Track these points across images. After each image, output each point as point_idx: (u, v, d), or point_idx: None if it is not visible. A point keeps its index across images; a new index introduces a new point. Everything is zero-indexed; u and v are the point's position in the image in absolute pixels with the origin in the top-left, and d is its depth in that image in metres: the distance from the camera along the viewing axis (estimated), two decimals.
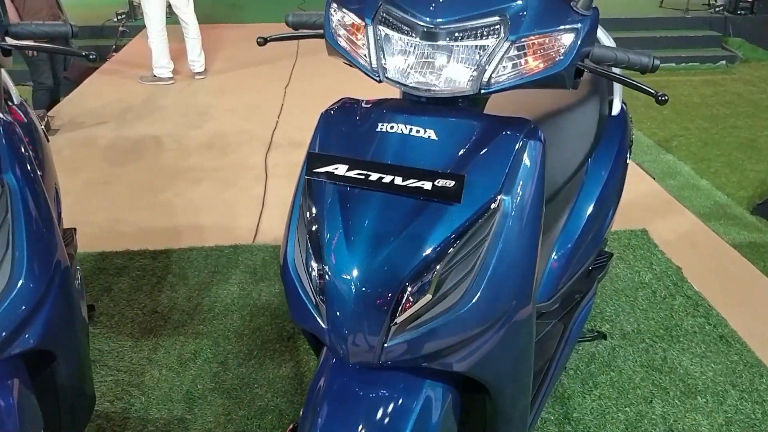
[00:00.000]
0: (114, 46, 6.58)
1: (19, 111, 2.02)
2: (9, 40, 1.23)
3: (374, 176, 1.05)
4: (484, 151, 1.10)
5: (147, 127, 4.37)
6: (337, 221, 1.09)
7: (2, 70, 1.97)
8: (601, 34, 1.91)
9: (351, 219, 1.08)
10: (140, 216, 3.15)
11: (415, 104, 1.15)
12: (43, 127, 2.11)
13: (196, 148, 4.06)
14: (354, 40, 1.16)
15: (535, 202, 1.13)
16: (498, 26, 1.08)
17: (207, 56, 5.50)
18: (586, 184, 1.82)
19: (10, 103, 1.98)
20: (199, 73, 5.37)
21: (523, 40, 1.08)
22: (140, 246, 2.81)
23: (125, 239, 2.89)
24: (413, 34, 1.08)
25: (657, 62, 1.17)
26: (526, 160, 1.11)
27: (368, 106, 1.20)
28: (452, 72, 1.08)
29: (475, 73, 1.08)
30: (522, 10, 1.09)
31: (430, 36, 1.07)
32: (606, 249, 2.07)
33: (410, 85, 1.10)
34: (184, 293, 2.49)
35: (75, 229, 2.16)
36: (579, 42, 1.10)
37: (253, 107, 4.70)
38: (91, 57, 1.33)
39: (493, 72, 1.09)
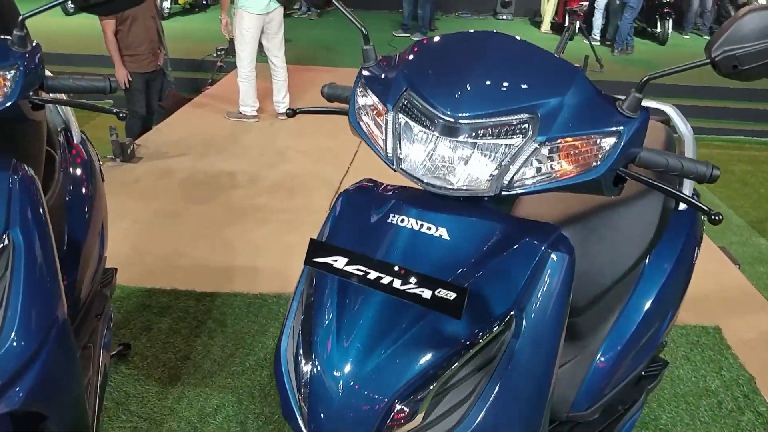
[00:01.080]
0: (210, 80, 6.89)
1: (81, 148, 2.09)
2: (42, 94, 1.24)
3: (373, 275, 0.96)
4: (500, 259, 0.99)
5: (224, 162, 4.48)
6: (332, 316, 1.00)
7: (68, 109, 2.05)
8: (677, 121, 1.75)
9: (347, 316, 0.99)
10: (200, 252, 3.19)
11: (433, 197, 1.05)
12: (100, 163, 2.17)
13: (267, 188, 4.11)
14: (375, 124, 1.08)
15: (553, 324, 0.99)
16: (526, 125, 0.97)
17: (293, 97, 5.62)
18: (642, 284, 1.63)
19: (71, 142, 2.04)
20: (282, 114, 5.50)
21: (554, 141, 0.97)
22: (189, 285, 2.82)
23: (179, 275, 2.91)
24: (432, 127, 0.99)
25: (716, 171, 1.03)
26: (547, 274, 0.99)
27: (386, 192, 1.11)
28: (472, 169, 0.98)
29: (496, 172, 0.97)
30: (556, 109, 0.98)
31: (450, 131, 0.97)
32: (662, 355, 1.86)
33: (425, 180, 1.00)
34: (220, 341, 2.45)
35: (116, 269, 2.18)
36: (620, 147, 0.97)
37: (328, 151, 4.73)
38: (121, 115, 1.32)
39: (516, 173, 0.97)
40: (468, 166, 0.98)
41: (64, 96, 1.41)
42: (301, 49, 8.52)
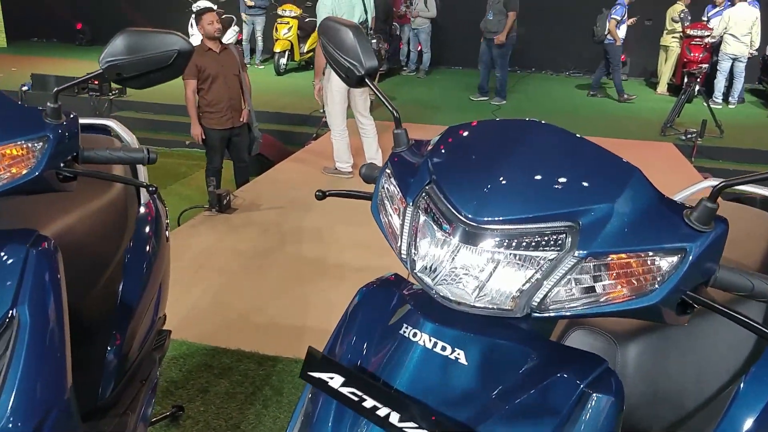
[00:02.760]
0: (314, 135, 7.08)
1: (152, 206, 2.11)
2: (77, 166, 1.23)
3: (369, 403, 0.82)
4: (527, 396, 0.81)
5: (315, 217, 4.50)
6: None
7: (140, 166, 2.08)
8: None
9: None
10: (275, 308, 3.16)
11: (454, 310, 0.90)
12: (167, 221, 2.18)
13: (352, 246, 4.06)
14: (396, 217, 0.95)
15: None
16: (564, 235, 0.80)
17: (385, 154, 5.62)
18: (735, 410, 1.35)
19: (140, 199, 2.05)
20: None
21: (600, 257, 0.79)
22: (255, 346, 2.78)
23: (249, 333, 2.89)
24: (452, 231, 0.83)
25: None
26: (584, 421, 0.80)
27: (406, 294, 0.97)
28: (495, 284, 0.82)
29: (525, 288, 0.81)
30: (604, 218, 0.80)
31: (469, 237, 0.81)
32: None
33: (440, 293, 0.85)
34: (273, 412, 2.36)
35: (170, 331, 2.15)
36: (685, 269, 0.78)
37: None
38: (151, 189, 1.28)
39: (550, 292, 0.80)
40: (491, 280, 0.82)
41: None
42: (401, 106, 8.60)
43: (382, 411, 0.80)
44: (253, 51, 11.46)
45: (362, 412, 0.81)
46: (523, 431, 0.79)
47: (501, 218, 0.80)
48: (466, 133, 0.96)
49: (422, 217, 0.87)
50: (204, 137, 4.79)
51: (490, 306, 0.82)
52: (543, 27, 10.85)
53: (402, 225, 0.90)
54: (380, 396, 0.81)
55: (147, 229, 2.03)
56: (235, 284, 3.43)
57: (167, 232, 2.16)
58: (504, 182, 0.83)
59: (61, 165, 1.18)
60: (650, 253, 0.79)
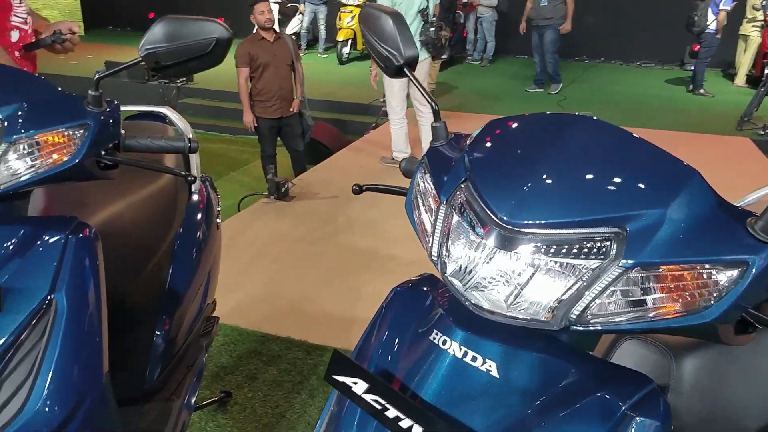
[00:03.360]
0: (373, 125, 7.06)
1: (204, 193, 2.13)
2: (118, 155, 1.23)
3: (391, 413, 0.78)
4: (562, 416, 0.75)
5: (368, 208, 4.48)
6: None
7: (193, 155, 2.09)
8: None
9: None
10: (325, 299, 3.17)
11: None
12: (219, 209, 2.19)
13: (404, 240, 3.98)
14: (429, 216, 0.90)
15: None
16: (609, 243, 0.73)
17: None
18: None
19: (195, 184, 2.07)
20: None
21: (647, 269, 0.72)
22: (304, 335, 2.78)
23: (299, 322, 2.90)
24: (484, 234, 0.78)
25: None
26: None
27: (440, 297, 0.92)
28: (530, 293, 0.76)
29: (564, 298, 0.74)
30: (655, 225, 0.73)
31: (504, 241, 0.75)
32: None
33: (471, 300, 0.80)
34: (319, 402, 2.36)
35: (218, 318, 2.17)
36: (746, 284, 0.70)
37: None
38: (189, 178, 1.28)
39: (592, 304, 0.74)
40: (527, 288, 0.76)
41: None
42: (461, 96, 8.50)
43: (405, 423, 0.76)
44: (315, 40, 11.52)
45: (384, 422, 0.78)
46: None
47: (539, 222, 0.74)
48: (508, 127, 0.89)
49: (455, 218, 0.82)
50: (255, 125, 4.86)
51: (525, 316, 0.76)
52: (613, 14, 10.44)
53: (434, 224, 0.85)
54: (404, 406, 0.77)
55: (198, 217, 2.05)
56: (287, 272, 3.46)
57: (218, 220, 2.18)
58: (545, 182, 0.77)
59: (102, 153, 1.18)
60: (706, 266, 0.72)
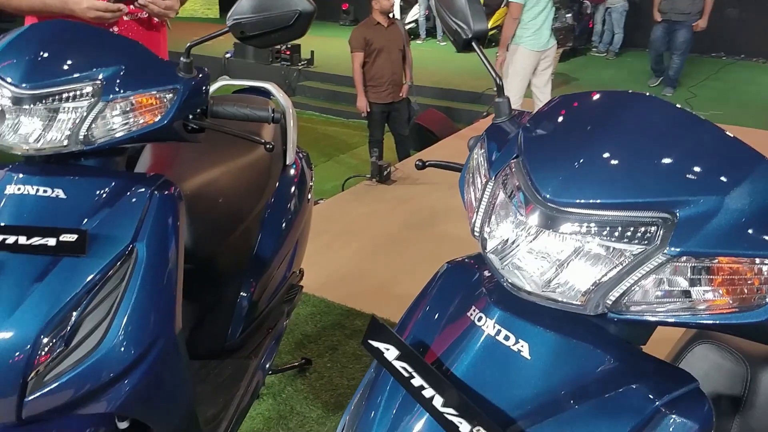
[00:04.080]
0: (484, 113, 6.95)
1: (298, 166, 2.21)
2: (205, 120, 1.31)
3: (417, 381, 0.78)
4: (589, 405, 0.73)
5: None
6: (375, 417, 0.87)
7: (291, 126, 2.17)
8: None
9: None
10: (411, 281, 3.14)
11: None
12: (311, 184, 2.27)
13: None
14: (474, 192, 0.89)
15: None
16: (655, 228, 0.69)
17: None
18: None
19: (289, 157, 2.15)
20: None
21: (697, 259, 0.67)
22: (389, 315, 2.82)
23: (385, 302, 2.94)
24: (526, 211, 0.76)
25: None
26: None
27: (486, 273, 0.91)
28: (567, 275, 0.73)
29: (600, 282, 0.71)
30: (709, 212, 0.68)
31: (545, 219, 0.73)
32: None
33: (507, 278, 0.78)
34: None
35: (302, 287, 2.25)
36: None
37: None
38: (268, 147, 1.33)
39: (629, 291, 0.70)
40: (564, 270, 0.73)
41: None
42: (579, 88, 8.14)
43: (428, 392, 0.76)
44: (434, 28, 11.49)
45: (409, 389, 0.79)
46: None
47: (583, 201, 0.71)
48: (569, 104, 0.86)
49: (501, 194, 0.81)
50: (368, 110, 4.95)
51: (560, 298, 0.74)
52: (759, 7, 9.57)
53: (480, 200, 0.84)
54: (429, 377, 0.77)
55: (290, 189, 2.13)
56: (379, 253, 3.52)
57: (310, 195, 2.26)
58: (595, 161, 0.74)
59: (190, 117, 1.26)
60: (766, 261, 0.66)
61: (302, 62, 8.95)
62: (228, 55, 9.04)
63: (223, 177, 1.83)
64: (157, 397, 1.25)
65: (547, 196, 0.73)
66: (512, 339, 0.78)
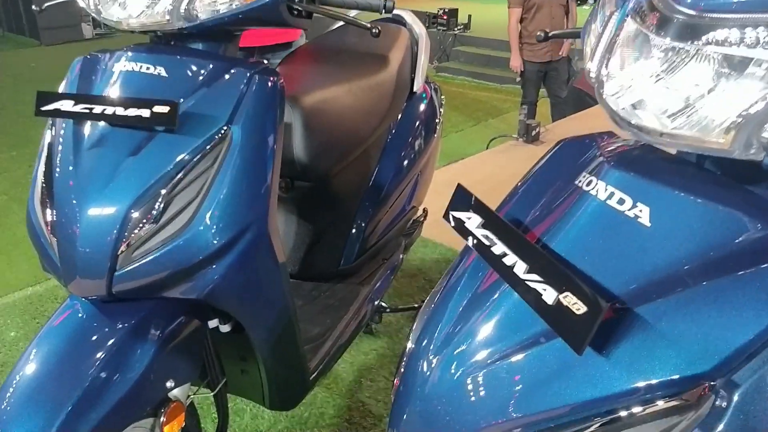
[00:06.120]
0: None
1: (427, 96, 2.09)
2: (313, 6, 1.22)
3: (498, 248, 0.64)
4: (723, 285, 0.54)
5: None
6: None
7: (422, 59, 2.06)
8: None
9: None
10: None
11: (651, 158, 0.64)
12: (440, 116, 2.14)
13: None
14: (594, 35, 0.71)
15: None
16: None
17: None
18: None
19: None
20: None
21: None
22: None
23: None
24: (662, 30, 0.57)
25: None
26: None
27: (605, 145, 0.73)
28: (706, 105, 0.54)
29: (751, 111, 0.52)
30: None
31: (683, 31, 0.55)
32: None
33: (628, 118, 0.60)
34: None
35: (422, 222, 2.13)
36: None
37: None
38: (374, 32, 1.21)
39: None
40: (703, 99, 0.54)
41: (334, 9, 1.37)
42: None
43: (509, 259, 0.61)
44: None
45: (488, 258, 0.64)
46: (694, 331, 0.52)
47: (733, 4, 0.52)
48: None
49: (626, 27, 0.63)
50: (522, 69, 4.66)
51: (695, 134, 0.55)
52: None
53: (600, 35, 0.66)
54: (512, 242, 0.63)
55: (416, 119, 2.02)
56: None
57: (438, 130, 2.13)
58: None
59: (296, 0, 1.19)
60: None
61: (458, 27, 8.76)
62: None
63: (343, 95, 1.75)
64: (249, 293, 1.20)
65: (688, 1, 0.55)
66: (628, 203, 0.61)
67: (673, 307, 0.54)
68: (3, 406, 0.99)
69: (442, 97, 2.20)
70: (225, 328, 1.28)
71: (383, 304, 2.18)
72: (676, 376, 0.52)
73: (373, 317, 2.20)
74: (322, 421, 1.79)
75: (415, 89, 2.02)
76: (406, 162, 1.95)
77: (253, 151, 1.13)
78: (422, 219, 2.19)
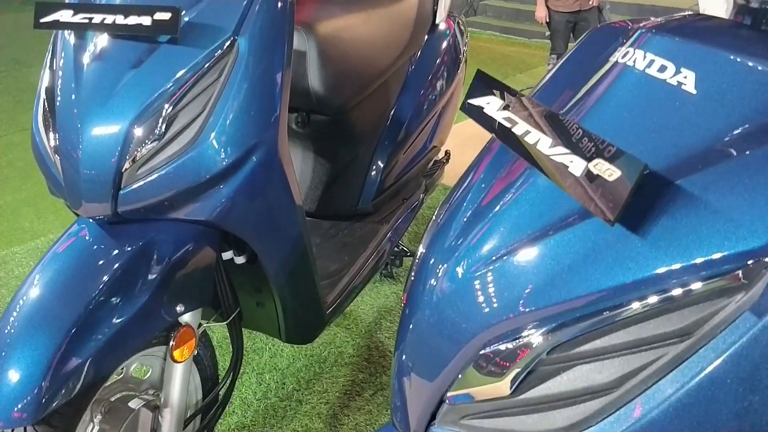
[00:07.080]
0: None
1: (450, 32, 2.00)
2: None
3: (520, 128, 0.57)
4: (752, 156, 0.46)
5: None
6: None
7: None
8: None
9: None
10: None
11: (697, 25, 0.56)
12: (464, 54, 2.04)
13: None
14: None
15: None
16: None
17: None
18: None
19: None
20: None
21: None
22: None
23: None
24: None
25: None
26: None
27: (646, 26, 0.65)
28: None
29: None
30: None
31: None
32: None
33: None
34: None
35: (444, 163, 2.06)
36: None
37: None
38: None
39: None
40: None
41: None
42: None
43: (532, 137, 0.54)
44: None
45: (508, 141, 0.57)
46: (747, 202, 0.45)
47: None
48: None
49: None
50: (548, 20, 4.47)
51: None
52: None
53: None
54: (536, 119, 0.55)
55: (437, 54, 1.94)
56: None
57: (461, 67, 2.04)
58: None
59: None
60: None
61: None
62: None
63: (361, 24, 1.67)
64: (261, 221, 1.15)
65: None
66: (671, 69, 0.54)
67: (722, 177, 0.47)
68: (6, 329, 0.97)
69: (467, 34, 2.10)
70: (240, 260, 1.23)
71: (405, 248, 2.13)
72: (726, 253, 0.45)
73: (393, 261, 2.15)
74: (341, 360, 1.76)
75: (437, 21, 1.93)
76: (426, 99, 1.87)
77: (262, 65, 1.07)
78: (444, 161, 2.11)
